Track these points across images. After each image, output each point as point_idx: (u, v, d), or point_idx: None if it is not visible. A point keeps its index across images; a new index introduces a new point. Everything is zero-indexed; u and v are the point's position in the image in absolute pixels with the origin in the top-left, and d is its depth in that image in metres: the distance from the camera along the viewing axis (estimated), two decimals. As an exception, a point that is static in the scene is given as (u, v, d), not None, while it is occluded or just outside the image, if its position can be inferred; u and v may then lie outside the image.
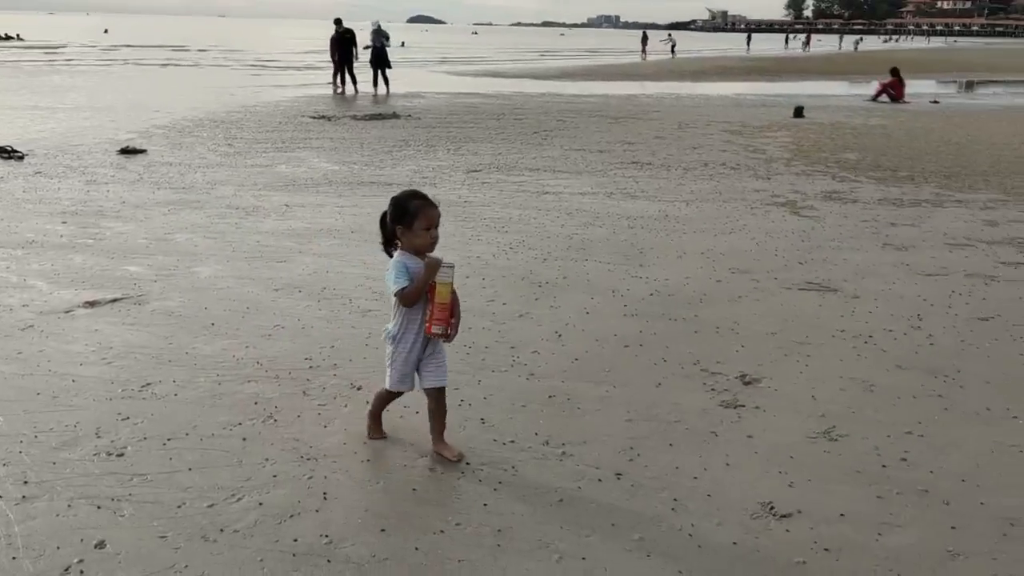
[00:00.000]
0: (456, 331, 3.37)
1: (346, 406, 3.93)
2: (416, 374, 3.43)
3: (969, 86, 29.94)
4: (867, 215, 8.31)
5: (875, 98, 21.95)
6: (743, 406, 4.01)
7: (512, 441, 3.63)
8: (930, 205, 8.83)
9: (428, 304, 3.28)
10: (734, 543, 2.90)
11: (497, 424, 3.79)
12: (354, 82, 21.55)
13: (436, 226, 3.29)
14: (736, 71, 35.63)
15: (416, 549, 2.84)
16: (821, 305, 5.55)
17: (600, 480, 3.32)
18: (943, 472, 3.40)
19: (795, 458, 3.51)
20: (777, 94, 23.83)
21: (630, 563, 2.80)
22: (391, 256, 3.36)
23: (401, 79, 25.23)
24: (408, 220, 3.26)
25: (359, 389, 4.10)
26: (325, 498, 3.15)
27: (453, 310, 3.33)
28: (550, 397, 4.09)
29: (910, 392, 4.19)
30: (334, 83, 21.83)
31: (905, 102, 21.26)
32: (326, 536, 2.90)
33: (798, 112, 17.44)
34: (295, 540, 2.88)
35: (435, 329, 3.29)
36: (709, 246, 6.99)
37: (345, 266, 6.28)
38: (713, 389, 4.21)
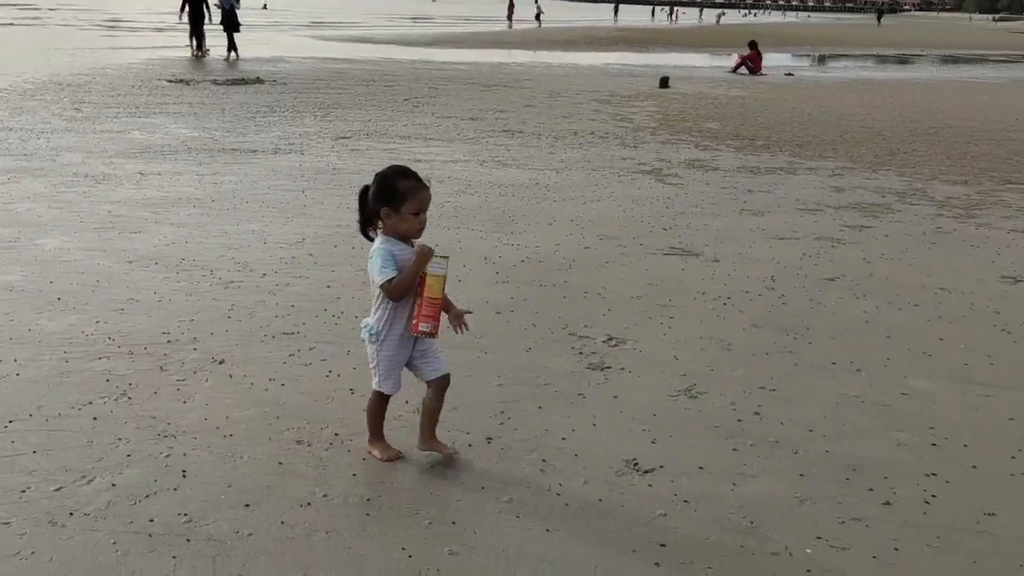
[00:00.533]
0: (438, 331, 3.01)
1: (207, 381, 3.78)
2: (410, 370, 3.14)
3: (821, 60, 31.53)
4: (727, 182, 8.65)
5: (735, 70, 22.79)
6: (609, 368, 4.11)
7: (382, 410, 3.59)
8: (784, 173, 9.27)
9: (416, 298, 2.94)
10: (599, 500, 2.98)
11: (367, 394, 3.72)
12: (200, 44, 20.48)
13: (426, 210, 2.95)
14: (604, 41, 36.19)
15: (282, 523, 2.78)
16: (683, 269, 5.75)
17: (471, 445, 3.34)
18: (793, 423, 3.60)
19: (657, 416, 3.64)
20: (644, 64, 24.38)
21: (500, 524, 2.83)
22: (370, 239, 3.01)
23: (265, 43, 24.30)
24: (396, 202, 2.89)
25: (221, 363, 3.95)
26: (184, 476, 3.03)
27: (443, 307, 2.99)
28: (420, 365, 4.07)
29: (764, 349, 4.41)
30: (191, 45, 20.78)
31: (763, 74, 22.18)
32: (185, 515, 2.79)
33: (663, 83, 17.91)
34: (151, 520, 2.76)
35: (423, 327, 2.94)
36: (578, 213, 7.10)
37: (205, 236, 6.02)
38: (581, 352, 4.30)
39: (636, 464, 3.22)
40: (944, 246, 6.49)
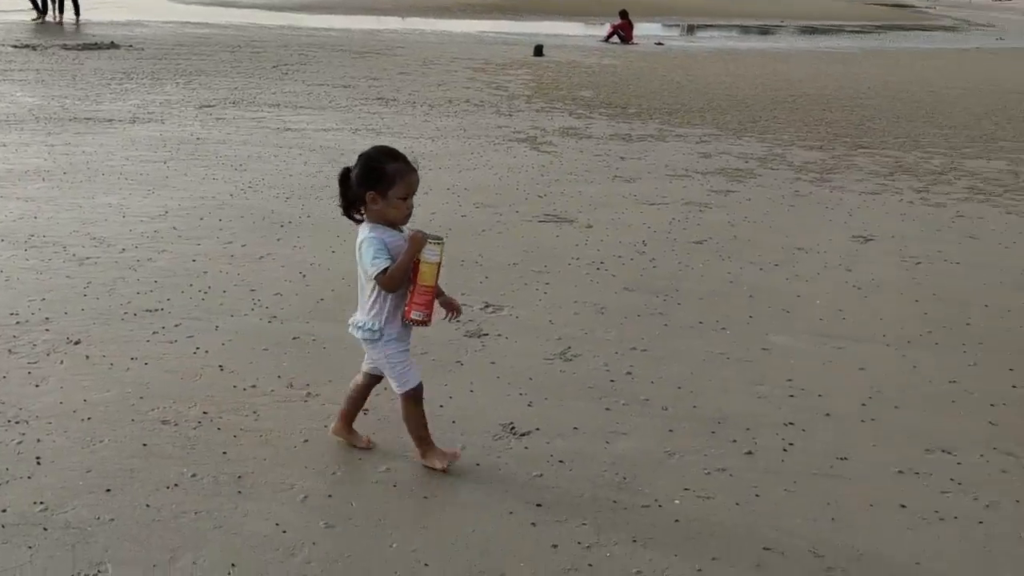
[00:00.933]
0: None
1: (62, 362, 3.57)
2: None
3: (690, 29, 32.39)
4: (600, 150, 8.80)
5: (607, 39, 23.11)
6: (487, 334, 4.13)
7: (253, 386, 3.49)
8: (654, 140, 9.50)
9: (409, 285, 2.79)
10: (477, 464, 3.00)
11: (237, 370, 3.62)
12: (43, 7, 19.09)
13: (414, 194, 2.78)
14: (478, 8, 35.97)
15: (147, 506, 2.67)
16: (558, 236, 5.82)
17: (346, 417, 3.29)
18: (662, 382, 3.73)
19: (534, 380, 3.69)
20: (518, 32, 24.39)
21: (377, 494, 2.81)
22: (355, 220, 2.82)
23: (119, 5, 22.89)
24: (384, 186, 2.72)
25: (77, 343, 3.74)
26: (39, 463, 2.86)
27: (437, 294, 2.84)
28: (294, 339, 3.98)
29: (635, 312, 4.53)
30: (36, 7, 19.32)
31: (634, 43, 22.58)
32: (40, 503, 2.64)
33: (537, 51, 17.98)
34: (3, 511, 2.60)
35: (414, 315, 2.80)
36: (454, 182, 7.07)
37: (57, 211, 5.66)
38: (458, 320, 4.29)
39: (513, 428, 3.26)
40: (801, 208, 6.83)
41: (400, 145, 9.11)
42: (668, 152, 8.84)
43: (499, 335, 4.14)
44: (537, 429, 3.27)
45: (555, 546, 2.58)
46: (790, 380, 3.79)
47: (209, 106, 9.83)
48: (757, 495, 2.90)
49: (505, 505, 2.78)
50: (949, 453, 3.21)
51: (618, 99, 12.49)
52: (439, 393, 3.51)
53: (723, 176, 7.80)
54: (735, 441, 3.25)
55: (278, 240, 5.38)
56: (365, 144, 8.36)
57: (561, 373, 3.78)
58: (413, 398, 2.91)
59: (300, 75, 12.80)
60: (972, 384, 3.79)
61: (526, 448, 3.13)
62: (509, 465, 3.02)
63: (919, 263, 5.48)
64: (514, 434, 3.22)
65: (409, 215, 2.82)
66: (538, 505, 2.78)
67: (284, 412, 3.27)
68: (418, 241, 2.75)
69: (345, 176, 2.82)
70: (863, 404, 3.59)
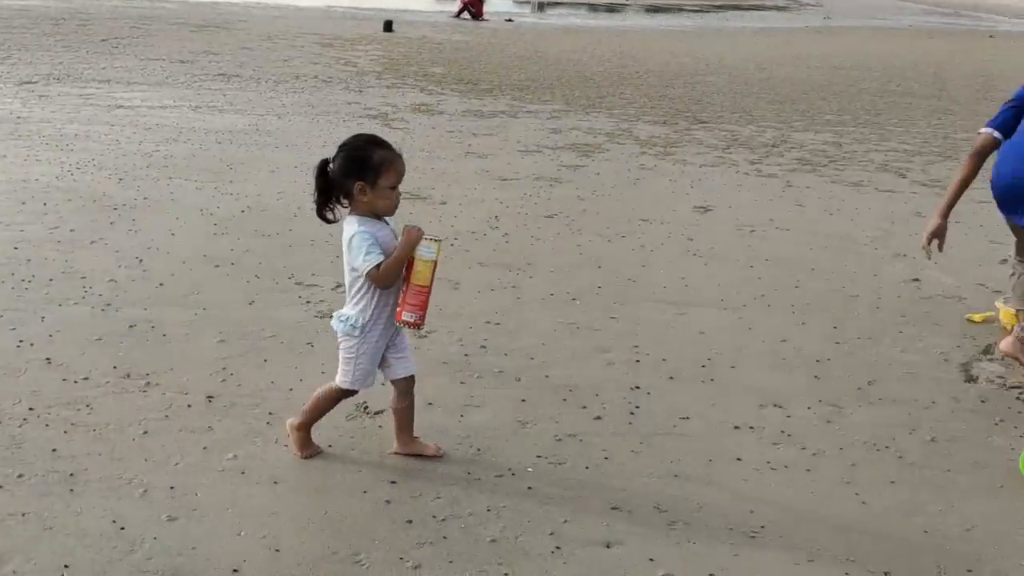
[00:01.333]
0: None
1: None
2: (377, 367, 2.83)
3: (540, 7, 32.71)
4: (452, 126, 8.79)
5: (458, 15, 23.03)
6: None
7: (86, 378, 3.30)
8: (506, 116, 9.57)
9: (402, 283, 2.67)
10: (330, 446, 2.96)
11: (67, 362, 3.41)
12: None
13: (400, 182, 2.65)
14: (327, -17, 34.97)
15: (-33, 513, 2.48)
16: (412, 213, 5.77)
17: (190, 406, 3.16)
18: (515, 353, 3.78)
19: (387, 358, 3.66)
20: (367, 7, 23.89)
21: (224, 483, 2.72)
22: (327, 220, 2.66)
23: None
24: (372, 176, 2.58)
25: None
26: None
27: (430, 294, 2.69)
28: (131, 327, 3.78)
29: (489, 286, 4.58)
30: None
31: (484, 20, 22.62)
32: None
33: (387, 26, 17.71)
34: None
35: (407, 316, 2.67)
36: (303, 160, 6.87)
37: None
38: (309, 301, 4.21)
39: (366, 407, 3.22)
40: (647, 181, 7.07)
41: (244, 123, 8.88)
42: (520, 128, 8.93)
43: (351, 314, 4.07)
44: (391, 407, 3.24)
45: (410, 521, 2.58)
46: (636, 346, 3.93)
47: (30, 83, 9.13)
48: (606, 458, 3.00)
49: (359, 485, 2.75)
50: (780, 407, 3.43)
51: (470, 75, 12.50)
52: (288, 377, 3.44)
53: (573, 151, 7.96)
54: (585, 407, 3.34)
55: (111, 224, 5.08)
56: (206, 121, 8.04)
57: (415, 349, 3.75)
58: (343, 393, 2.84)
59: (133, 49, 12.09)
60: (800, 342, 4.05)
61: (380, 427, 3.11)
62: (363, 444, 2.99)
63: (753, 231, 5.80)
64: (367, 413, 3.19)
65: (397, 205, 2.69)
66: (392, 482, 2.77)
67: (121, 404, 3.10)
68: (414, 237, 2.61)
69: (323, 169, 2.64)
70: (703, 366, 3.77)
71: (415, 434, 2.93)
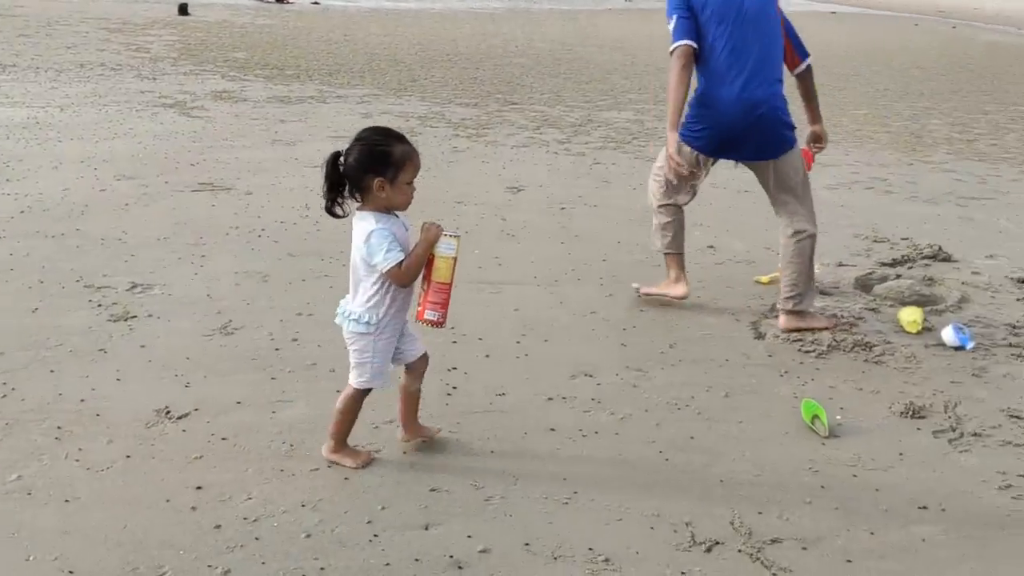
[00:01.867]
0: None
1: None
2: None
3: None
4: (257, 113, 8.46)
5: (262, -2, 22.17)
6: (135, 316, 3.83)
7: None
8: (315, 101, 9.33)
9: (422, 282, 2.61)
10: (128, 456, 2.78)
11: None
12: None
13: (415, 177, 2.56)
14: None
15: None
16: (214, 205, 5.53)
17: (-36, 427, 2.88)
18: (329, 344, 3.67)
19: (191, 359, 3.48)
20: (162, -10, 22.55)
21: (7, 508, 2.50)
22: (335, 215, 2.58)
23: None
24: (392, 171, 2.50)
25: None
26: None
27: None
28: None
29: (300, 276, 4.45)
30: None
31: (289, 3, 21.90)
32: None
33: (183, 9, 16.79)
34: None
35: (429, 315, 2.63)
36: (90, 153, 6.42)
37: None
38: (100, 304, 3.93)
39: (168, 412, 3.06)
40: (460, 163, 7.11)
41: (22, 116, 8.23)
42: (329, 113, 8.73)
43: (150, 316, 3.85)
44: (196, 409, 3.10)
45: (218, 526, 2.48)
46: (453, 327, 3.93)
47: None
48: (424, 441, 3.00)
49: (161, 494, 2.61)
50: (591, 376, 3.55)
51: (275, 60, 12.08)
52: (78, 387, 3.20)
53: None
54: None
55: None
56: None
57: (222, 348, 3.61)
58: (361, 394, 2.79)
59: None
60: (608, 313, 4.22)
61: (184, 431, 2.96)
62: (165, 451, 2.84)
63: (563, 208, 5.97)
64: (170, 418, 3.02)
65: (411, 200, 2.63)
66: (198, 488, 2.65)
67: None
68: (433, 234, 2.58)
69: (335, 161, 2.54)
70: (517, 342, 3.85)
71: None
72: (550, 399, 3.36)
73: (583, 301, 4.35)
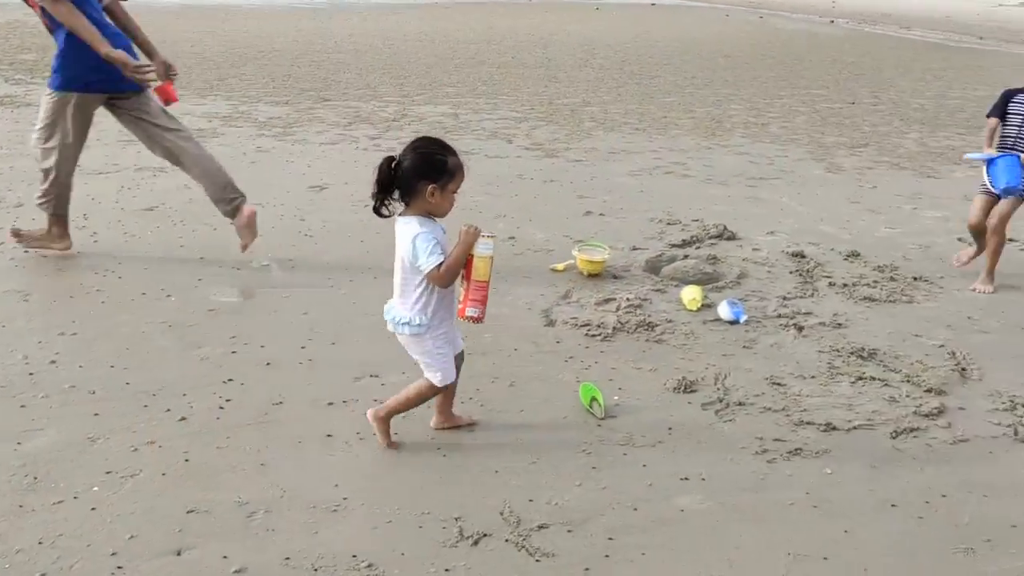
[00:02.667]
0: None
1: None
2: None
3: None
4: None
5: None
6: None
7: None
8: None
9: (462, 281, 2.80)
10: None
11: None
12: None
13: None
14: None
15: None
16: (-22, 219, 5.06)
17: None
18: (93, 364, 3.46)
19: (-73, 392, 3.16)
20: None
21: None
22: (382, 215, 2.76)
23: None
24: (445, 179, 2.70)
25: None
26: None
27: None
28: None
29: (67, 293, 4.15)
30: None
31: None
32: None
33: (-35, 7, 15.38)
34: None
35: (470, 311, 2.80)
36: None
37: None
38: None
39: None
40: (263, 164, 6.85)
41: None
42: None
43: None
44: (-75, 448, 2.80)
45: (-66, 577, 2.25)
46: (234, 337, 3.78)
47: None
48: (187, 460, 2.85)
49: None
50: (376, 376, 3.49)
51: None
52: None
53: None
54: (169, 410, 3.15)
55: None
56: None
57: (-32, 376, 3.30)
58: (437, 391, 2.93)
59: None
60: (369, 308, 4.14)
61: (-94, 474, 2.67)
62: None
63: (367, 205, 5.81)
64: None
65: (453, 208, 2.79)
66: (-85, 536, 2.39)
67: None
68: (472, 236, 2.73)
69: (389, 165, 2.70)
70: (302, 347, 3.73)
71: None
72: (331, 404, 3.27)
73: (376, 299, 4.21)
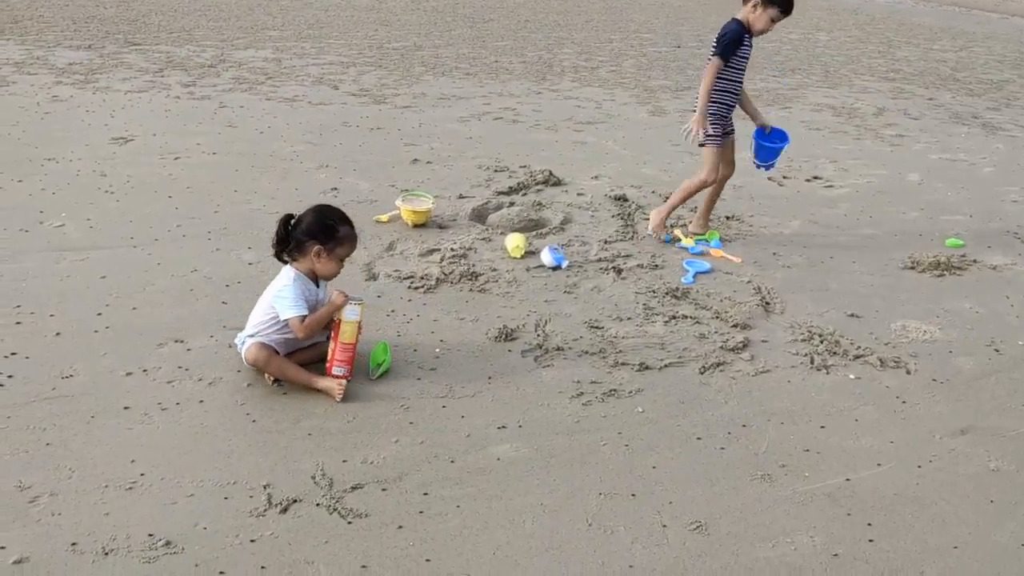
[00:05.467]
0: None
1: None
2: None
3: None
4: None
5: None
6: None
7: None
8: None
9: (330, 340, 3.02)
10: None
11: None
12: None
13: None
14: None
15: None
16: None
17: None
18: None
19: None
20: None
21: None
22: (283, 261, 3.06)
23: None
24: (332, 244, 2.98)
25: None
26: None
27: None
28: None
29: None
30: None
31: None
32: None
33: None
34: None
35: (336, 371, 2.98)
36: None
37: None
38: None
39: None
40: (59, 115, 6.28)
41: None
42: None
43: None
44: None
45: None
46: (18, 306, 3.45)
47: None
48: (-40, 445, 2.58)
49: None
50: (181, 342, 3.28)
51: None
52: None
53: None
54: (-60, 392, 2.83)
55: None
56: None
57: None
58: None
59: None
60: (211, 270, 3.92)
61: None
62: None
63: (177, 158, 5.49)
64: None
65: (337, 275, 3.05)
66: None
67: None
68: (339, 301, 2.95)
69: (287, 222, 2.99)
70: (99, 313, 3.45)
71: None
72: (129, 374, 3.04)
73: (184, 259, 4.01)
